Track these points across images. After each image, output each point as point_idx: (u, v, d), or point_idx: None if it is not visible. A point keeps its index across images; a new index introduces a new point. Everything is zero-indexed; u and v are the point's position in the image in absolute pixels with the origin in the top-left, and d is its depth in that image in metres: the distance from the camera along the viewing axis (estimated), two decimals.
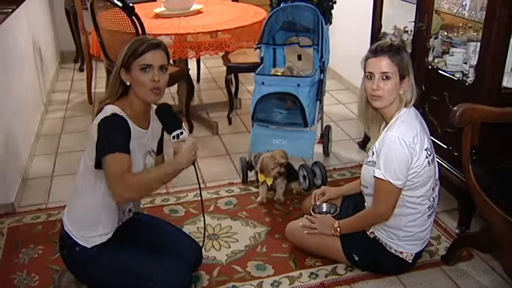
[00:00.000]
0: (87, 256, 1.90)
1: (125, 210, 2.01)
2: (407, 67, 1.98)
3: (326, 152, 3.30)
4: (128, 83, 1.86)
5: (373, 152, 2.04)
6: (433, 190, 2.06)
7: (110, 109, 1.82)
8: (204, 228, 2.16)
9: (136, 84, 1.84)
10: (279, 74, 2.97)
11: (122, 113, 1.82)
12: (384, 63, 1.95)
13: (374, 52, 1.98)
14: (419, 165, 1.97)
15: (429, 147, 2.02)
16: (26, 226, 2.59)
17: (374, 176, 1.99)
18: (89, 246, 1.90)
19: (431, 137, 2.11)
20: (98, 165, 1.76)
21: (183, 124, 1.92)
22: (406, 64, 1.97)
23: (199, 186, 2.06)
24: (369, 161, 2.06)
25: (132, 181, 1.71)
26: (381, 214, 2.04)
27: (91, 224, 1.90)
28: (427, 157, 1.99)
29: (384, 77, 1.95)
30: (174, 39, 3.28)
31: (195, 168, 1.94)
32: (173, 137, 1.88)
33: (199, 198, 2.08)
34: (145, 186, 1.77)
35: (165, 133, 2.03)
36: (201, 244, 2.18)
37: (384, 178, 1.95)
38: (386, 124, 2.04)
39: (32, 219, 2.65)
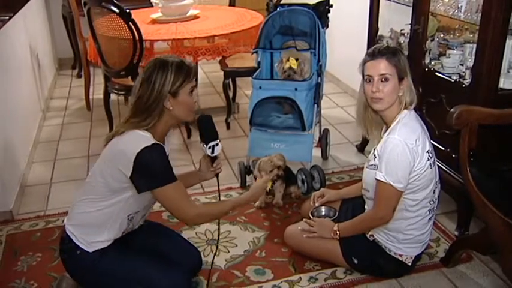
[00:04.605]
0: (87, 260, 1.90)
1: (135, 223, 2.02)
2: (404, 68, 1.99)
3: (324, 156, 3.30)
4: (171, 108, 1.84)
5: (374, 155, 2.04)
6: (433, 193, 2.06)
7: (142, 137, 1.80)
8: (218, 237, 2.23)
9: (182, 107, 1.86)
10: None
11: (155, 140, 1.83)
12: (382, 65, 1.95)
13: (371, 55, 1.99)
14: (421, 167, 1.96)
15: (430, 149, 2.01)
16: (25, 233, 2.58)
17: (375, 179, 1.99)
18: (90, 251, 1.89)
19: None
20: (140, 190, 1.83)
21: (219, 137, 2.02)
22: (403, 65, 1.98)
23: (219, 193, 2.11)
24: (371, 165, 2.05)
25: (205, 212, 1.95)
26: (381, 217, 2.04)
27: (97, 231, 1.90)
28: (428, 159, 1.98)
29: (383, 79, 1.95)
30: (171, 45, 3.28)
31: (218, 181, 2.11)
32: (209, 148, 1.99)
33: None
34: (213, 217, 2.04)
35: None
36: (200, 250, 2.18)
37: (385, 181, 1.95)
38: (387, 127, 2.04)
39: (31, 226, 2.64)
